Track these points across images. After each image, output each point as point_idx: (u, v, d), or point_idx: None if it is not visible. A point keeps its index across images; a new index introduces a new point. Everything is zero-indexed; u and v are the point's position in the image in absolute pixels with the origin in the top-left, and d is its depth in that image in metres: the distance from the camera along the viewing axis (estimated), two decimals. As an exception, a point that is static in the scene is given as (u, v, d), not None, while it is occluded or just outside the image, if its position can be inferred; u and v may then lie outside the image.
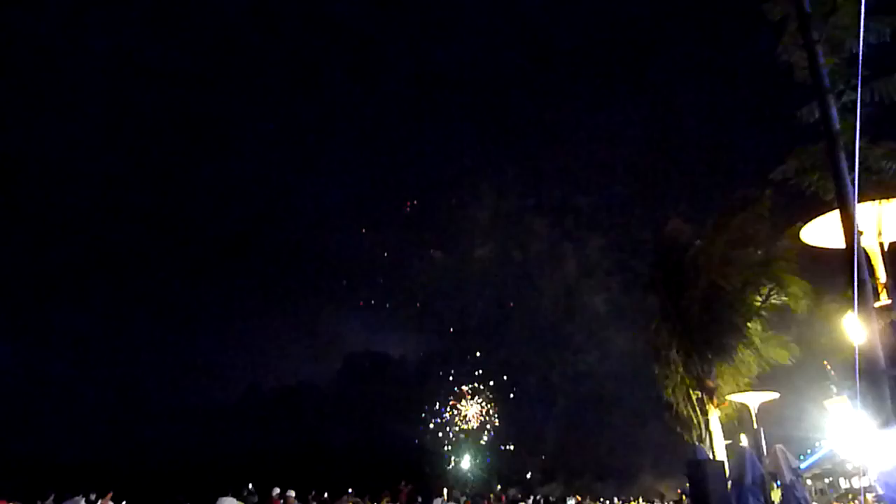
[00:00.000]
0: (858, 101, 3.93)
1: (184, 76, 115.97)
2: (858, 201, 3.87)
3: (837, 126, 3.98)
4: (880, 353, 3.95)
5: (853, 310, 4.79)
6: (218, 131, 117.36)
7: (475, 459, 63.68)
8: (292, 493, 14.13)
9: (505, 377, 69.10)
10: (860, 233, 3.84)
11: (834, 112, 4.03)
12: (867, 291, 3.95)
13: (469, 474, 60.29)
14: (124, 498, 17.24)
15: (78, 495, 12.31)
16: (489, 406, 69.76)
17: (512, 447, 64.44)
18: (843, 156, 3.89)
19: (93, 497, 13.54)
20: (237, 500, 14.95)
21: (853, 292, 3.54)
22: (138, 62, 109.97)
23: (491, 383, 70.69)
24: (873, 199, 4.12)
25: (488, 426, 68.15)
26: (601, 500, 36.38)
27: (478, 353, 71.38)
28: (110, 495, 14.91)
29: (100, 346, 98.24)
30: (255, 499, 17.43)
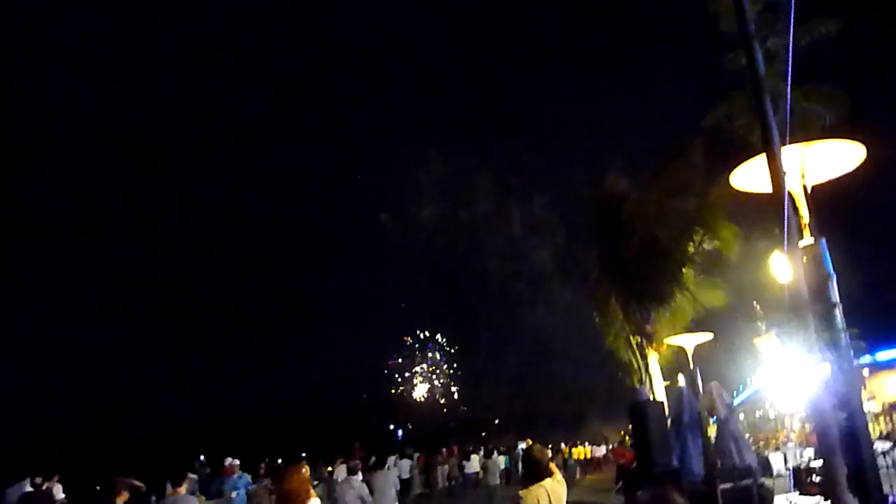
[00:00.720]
0: (791, 43, 4.07)
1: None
2: (783, 144, 4.04)
3: (763, 71, 4.11)
4: (805, 289, 4.20)
5: (781, 250, 5.02)
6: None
7: (428, 420, 64.96)
8: (236, 462, 14.00)
9: (456, 336, 70.24)
10: (784, 173, 4.01)
11: (759, 57, 4.16)
12: (793, 231, 4.16)
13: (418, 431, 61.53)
14: (72, 481, 16.84)
15: (23, 479, 11.97)
16: (442, 367, 70.92)
17: (465, 402, 66.03)
18: (768, 99, 4.04)
19: (38, 480, 13.16)
20: (190, 472, 14.81)
21: (778, 231, 3.74)
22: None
23: (445, 345, 71.82)
24: (797, 143, 4.31)
25: (441, 384, 69.41)
26: (549, 445, 37.75)
27: (429, 316, 72.23)
28: (56, 478, 14.52)
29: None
30: (208, 470, 17.30)
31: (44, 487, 12.30)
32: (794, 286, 4.17)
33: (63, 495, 14.38)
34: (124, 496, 7.30)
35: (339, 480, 10.81)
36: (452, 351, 71.84)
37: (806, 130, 4.55)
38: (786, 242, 3.98)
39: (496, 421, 61.26)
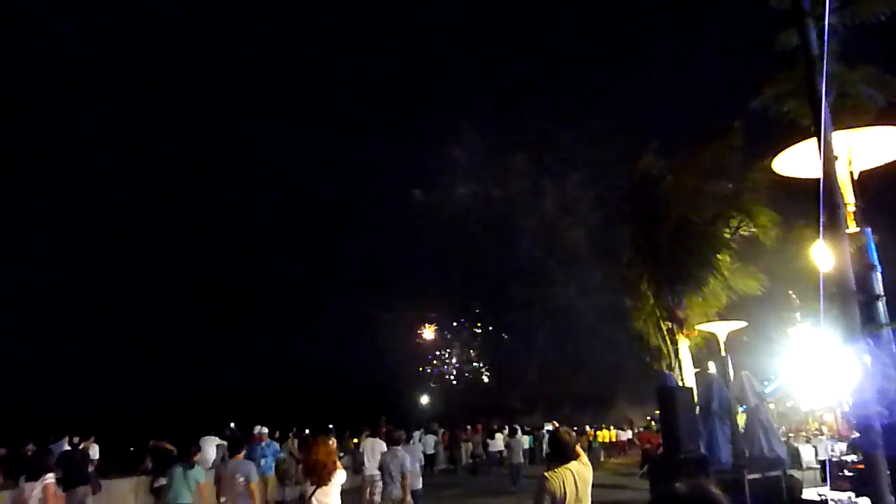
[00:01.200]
0: (826, 23, 3.87)
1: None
2: (833, 128, 3.86)
3: (816, 51, 3.93)
4: (850, 278, 4.05)
5: (823, 238, 4.86)
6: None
7: (449, 395, 65.44)
8: (265, 430, 14.30)
9: (487, 314, 70.23)
10: (835, 158, 3.84)
11: (813, 36, 3.97)
12: (839, 218, 4.00)
13: (445, 408, 62.06)
14: (107, 442, 17.40)
15: (62, 438, 12.41)
16: (471, 345, 71.11)
17: (493, 381, 66.17)
18: (821, 81, 3.86)
19: (76, 440, 13.63)
20: (220, 439, 15.15)
21: (823, 218, 3.58)
22: None
23: (477, 323, 71.94)
24: (847, 127, 4.12)
25: (471, 362, 69.68)
26: (576, 427, 37.81)
27: (460, 294, 72.34)
28: (92, 439, 15.04)
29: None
30: (238, 436, 17.67)
31: (80, 447, 12.71)
32: (837, 274, 4.02)
33: (97, 456, 14.89)
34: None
35: (384, 451, 11.15)
36: (481, 329, 71.91)
37: (858, 114, 4.32)
38: (822, 228, 3.82)
39: (524, 400, 61.37)
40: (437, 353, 72.50)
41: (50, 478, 7.51)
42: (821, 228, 3.90)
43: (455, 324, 73.32)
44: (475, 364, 70.83)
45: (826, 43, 3.57)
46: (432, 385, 68.26)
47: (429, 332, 73.86)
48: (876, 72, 4.45)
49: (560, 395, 59.60)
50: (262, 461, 13.44)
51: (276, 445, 14.47)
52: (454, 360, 71.87)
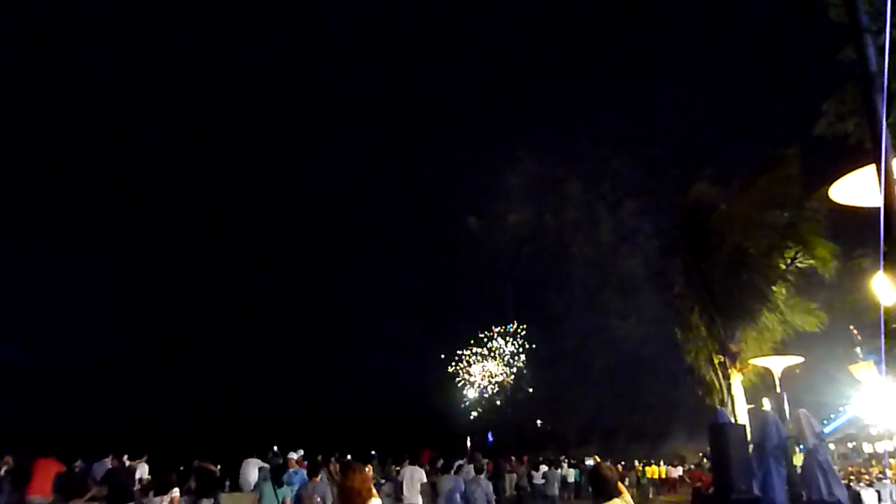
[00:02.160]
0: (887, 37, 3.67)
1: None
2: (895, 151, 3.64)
3: (874, 67, 3.73)
4: None
5: (882, 268, 4.60)
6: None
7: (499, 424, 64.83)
8: (293, 455, 13.52)
9: (542, 344, 69.86)
10: None
11: (872, 52, 3.78)
12: None
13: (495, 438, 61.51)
14: (152, 460, 17.72)
15: (105, 457, 12.68)
16: (524, 375, 70.64)
17: (548, 412, 65.40)
18: (879, 99, 3.66)
19: (124, 459, 13.89)
20: (263, 461, 15.22)
21: (884, 248, 3.37)
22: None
23: (530, 347, 71.42)
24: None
25: (524, 391, 69.15)
26: (623, 462, 36.72)
27: (516, 323, 72.00)
28: (145, 458, 15.33)
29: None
30: (280, 460, 17.72)
31: (127, 465, 12.92)
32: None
33: (148, 476, 15.14)
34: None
35: (468, 479, 11.40)
36: (533, 358, 71.62)
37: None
38: (882, 260, 3.60)
39: (578, 432, 60.46)
40: (490, 381, 72.19)
41: (176, 492, 8.99)
42: (881, 259, 3.67)
43: (509, 355, 72.99)
44: (529, 391, 70.21)
45: (886, 59, 3.41)
46: (481, 412, 67.83)
47: (479, 361, 73.64)
48: None
49: (615, 427, 58.47)
50: (288, 489, 11.61)
51: (304, 473, 12.54)
52: (507, 390, 71.43)
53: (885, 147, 3.44)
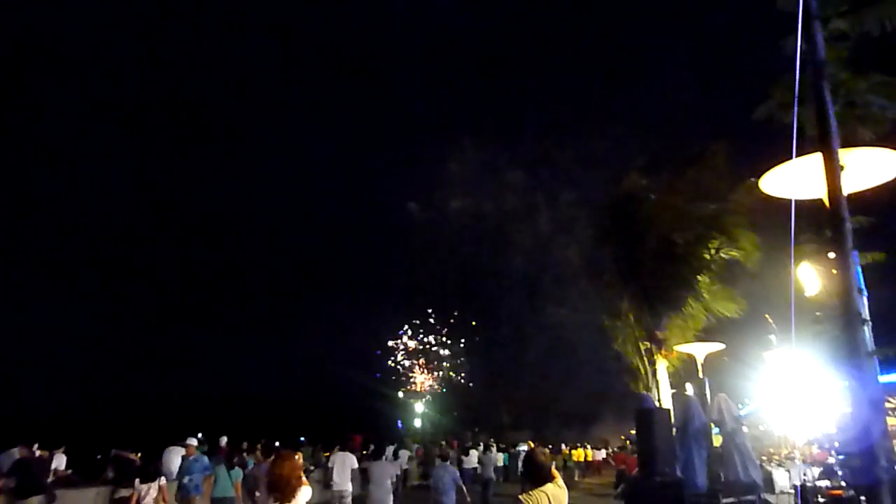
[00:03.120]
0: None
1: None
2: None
3: (823, 55, 3.79)
4: (855, 299, 3.91)
5: (808, 261, 4.70)
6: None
7: (436, 410, 65.30)
8: (193, 441, 12.25)
9: (480, 328, 70.46)
10: (842, 168, 3.70)
11: (820, 39, 3.83)
12: (845, 234, 3.84)
13: (429, 422, 61.88)
14: (77, 451, 16.84)
15: (14, 447, 11.91)
16: (458, 358, 71.10)
17: (483, 396, 66.13)
18: (826, 86, 3.72)
19: (34, 448, 13.10)
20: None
21: (831, 235, 3.45)
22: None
23: (462, 339, 72.07)
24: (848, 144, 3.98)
25: (457, 375, 69.63)
26: (550, 446, 37.51)
27: (454, 312, 72.26)
28: (63, 448, 14.53)
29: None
30: (205, 447, 17.20)
31: (38, 455, 12.18)
32: (831, 298, 3.88)
33: (63, 466, 14.35)
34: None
35: (436, 466, 11.52)
36: (471, 343, 72.19)
37: (868, 126, 4.19)
38: (834, 248, 3.69)
39: (514, 416, 61.43)
40: (425, 364, 72.39)
41: (163, 480, 9.99)
42: (814, 248, 3.76)
43: (444, 338, 73.24)
44: (461, 377, 70.76)
45: (822, 47, 3.48)
46: (422, 398, 68.11)
47: (413, 342, 73.69)
48: (886, 80, 4.29)
49: (548, 411, 59.74)
50: (187, 479, 11.20)
51: (206, 460, 11.71)
52: (443, 373, 71.83)
53: (834, 139, 3.50)
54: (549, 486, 4.57)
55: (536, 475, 4.64)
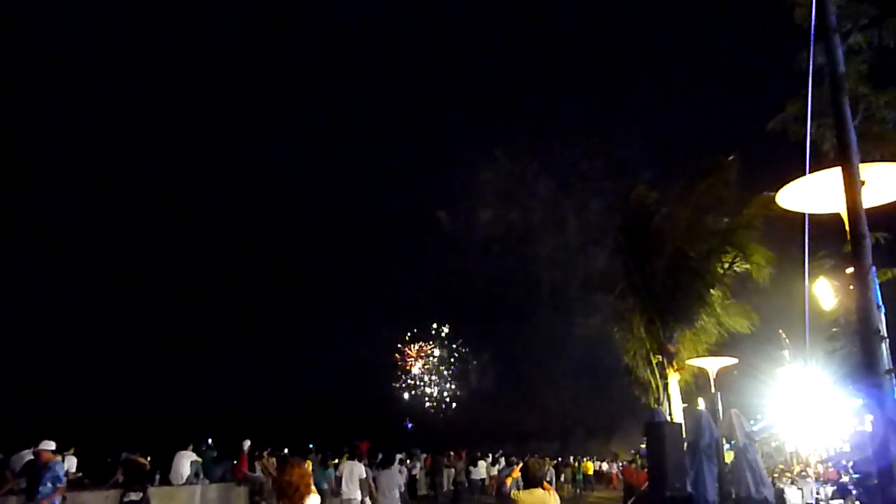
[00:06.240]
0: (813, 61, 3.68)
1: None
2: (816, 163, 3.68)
3: (842, 69, 3.75)
4: (874, 315, 3.86)
5: (825, 276, 4.65)
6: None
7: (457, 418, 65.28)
8: (50, 445, 9.37)
9: (507, 339, 70.47)
10: (862, 182, 3.66)
11: (840, 53, 3.80)
12: (865, 249, 3.79)
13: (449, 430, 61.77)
14: (80, 451, 16.91)
15: (26, 448, 11.98)
16: (483, 367, 71.00)
17: (510, 407, 66.05)
18: (846, 101, 3.69)
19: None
20: (196, 454, 14.75)
21: (851, 250, 3.41)
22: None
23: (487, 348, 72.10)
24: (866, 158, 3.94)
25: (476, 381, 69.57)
26: (560, 458, 37.31)
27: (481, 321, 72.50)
28: (72, 450, 14.58)
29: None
30: (214, 453, 17.25)
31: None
32: (848, 314, 3.83)
33: (74, 468, 14.40)
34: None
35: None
36: (492, 352, 72.19)
37: (885, 141, 4.17)
38: (853, 263, 3.64)
39: (541, 427, 61.22)
40: (447, 373, 72.41)
41: None
42: (829, 263, 3.72)
43: (466, 349, 73.23)
44: (488, 387, 70.74)
45: (861, 62, 3.46)
46: (441, 406, 68.05)
47: (422, 358, 73.72)
48: None
49: (574, 422, 59.61)
50: (41, 489, 9.13)
51: (61, 470, 9.77)
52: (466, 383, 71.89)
53: (853, 151, 3.46)
54: (538, 491, 5.76)
55: (531, 480, 5.91)
